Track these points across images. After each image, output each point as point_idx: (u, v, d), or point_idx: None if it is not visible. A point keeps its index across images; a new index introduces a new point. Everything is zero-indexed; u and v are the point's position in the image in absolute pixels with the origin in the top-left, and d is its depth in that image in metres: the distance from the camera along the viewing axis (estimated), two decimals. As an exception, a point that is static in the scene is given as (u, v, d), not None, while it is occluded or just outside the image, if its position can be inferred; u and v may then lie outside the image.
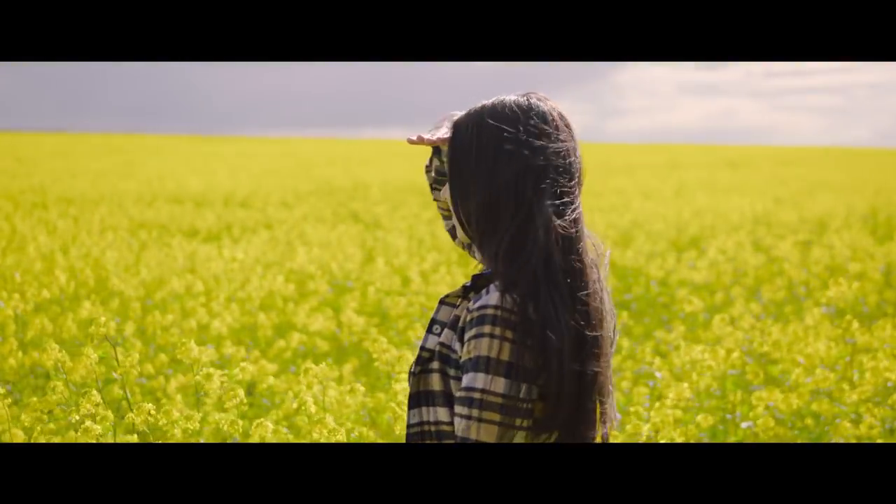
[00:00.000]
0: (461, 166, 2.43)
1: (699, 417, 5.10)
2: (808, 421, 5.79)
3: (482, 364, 2.29)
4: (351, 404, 4.52)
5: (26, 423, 3.69)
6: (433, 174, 2.65)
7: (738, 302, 8.28)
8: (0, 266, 9.92)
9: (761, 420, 5.29)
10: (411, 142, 2.58)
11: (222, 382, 4.06)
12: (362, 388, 4.35)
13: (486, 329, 2.29)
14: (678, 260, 11.55)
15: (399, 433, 4.00)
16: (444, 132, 2.53)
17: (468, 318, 2.33)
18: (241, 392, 4.05)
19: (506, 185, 2.39)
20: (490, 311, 2.30)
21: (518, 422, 2.29)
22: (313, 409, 4.02)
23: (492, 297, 2.31)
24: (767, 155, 50.01)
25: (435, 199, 2.70)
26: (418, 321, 8.38)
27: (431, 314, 2.59)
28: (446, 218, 2.58)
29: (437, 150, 2.63)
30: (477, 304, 2.32)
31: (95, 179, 26.47)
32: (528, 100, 2.44)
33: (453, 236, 2.72)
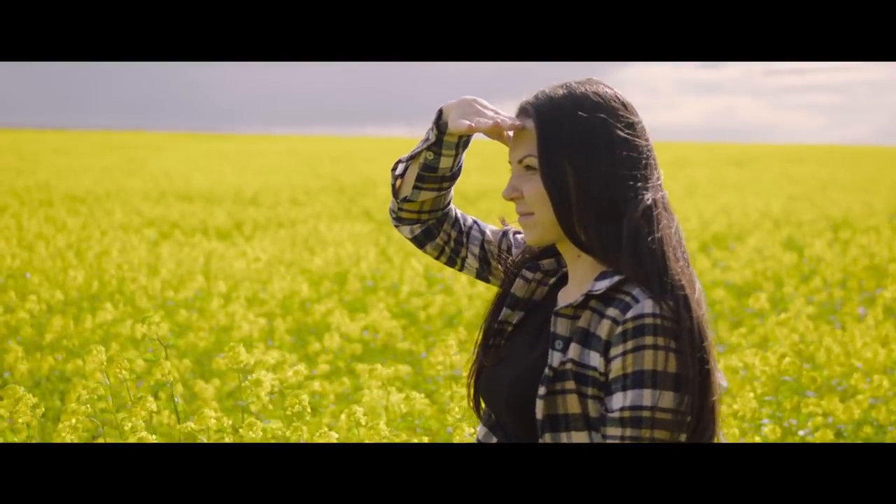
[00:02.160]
0: (570, 156, 2.18)
1: (766, 430, 4.85)
2: (868, 429, 5.54)
3: (648, 379, 2.07)
4: (408, 410, 4.25)
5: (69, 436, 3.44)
6: (440, 169, 2.36)
7: (781, 303, 8.04)
8: (11, 266, 9.64)
9: (819, 432, 5.05)
10: (472, 129, 2.28)
11: (273, 387, 3.81)
12: (420, 396, 4.12)
13: (648, 340, 2.07)
14: (707, 259, 11.29)
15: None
16: (516, 120, 2.26)
17: (619, 330, 2.09)
18: (306, 398, 3.77)
19: (626, 177, 2.18)
20: (649, 321, 2.08)
21: (682, 437, 2.10)
22: (363, 420, 3.79)
23: (645, 304, 2.09)
24: (772, 153, 49.94)
25: (401, 200, 2.44)
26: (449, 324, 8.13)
27: (504, 321, 2.33)
28: (525, 215, 2.27)
29: (437, 143, 2.34)
30: (631, 314, 2.09)
31: (100, 177, 26.26)
32: (609, 87, 2.24)
33: (508, 237, 2.47)
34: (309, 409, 3.62)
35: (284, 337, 7.41)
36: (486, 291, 8.86)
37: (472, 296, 8.87)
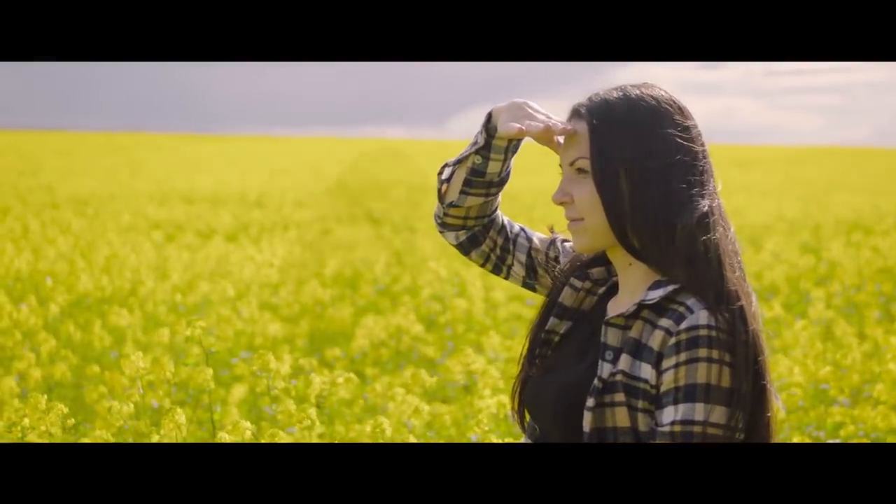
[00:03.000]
0: (624, 159, 2.10)
1: (794, 441, 4.76)
2: (892, 440, 5.45)
3: (700, 393, 2.00)
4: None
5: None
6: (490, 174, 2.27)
7: (798, 306, 7.97)
8: (19, 270, 9.55)
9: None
10: (523, 132, 2.19)
11: (321, 390, 3.75)
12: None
13: (702, 353, 2.00)
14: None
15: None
16: (567, 124, 2.18)
17: (672, 342, 2.02)
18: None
19: (681, 183, 2.10)
20: (704, 332, 2.00)
21: None
22: (389, 431, 3.73)
23: (700, 315, 2.01)
24: (773, 154, 50.06)
25: (447, 205, 2.34)
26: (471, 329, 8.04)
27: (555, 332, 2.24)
28: (575, 220, 2.18)
29: (485, 147, 2.25)
30: (685, 325, 2.01)
31: (103, 178, 26.23)
32: (665, 91, 2.18)
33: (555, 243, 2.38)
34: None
35: (301, 342, 7.33)
36: (502, 297, 8.79)
37: (488, 300, 8.79)
